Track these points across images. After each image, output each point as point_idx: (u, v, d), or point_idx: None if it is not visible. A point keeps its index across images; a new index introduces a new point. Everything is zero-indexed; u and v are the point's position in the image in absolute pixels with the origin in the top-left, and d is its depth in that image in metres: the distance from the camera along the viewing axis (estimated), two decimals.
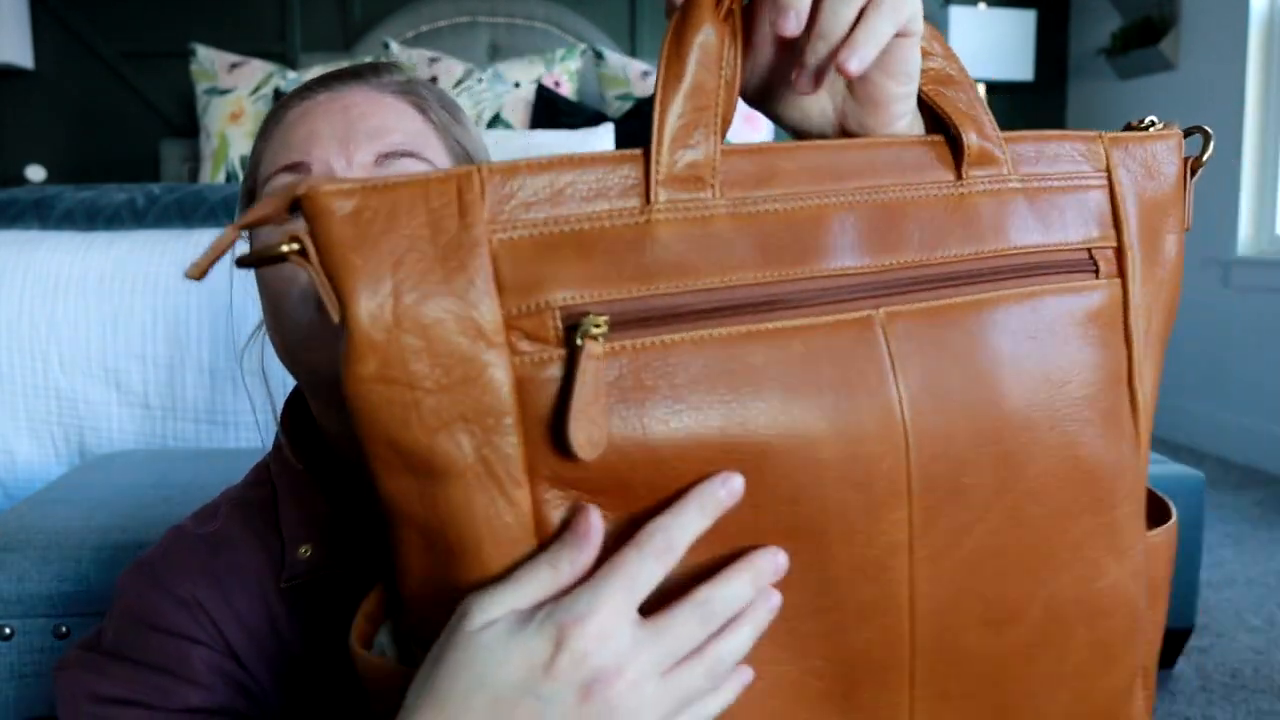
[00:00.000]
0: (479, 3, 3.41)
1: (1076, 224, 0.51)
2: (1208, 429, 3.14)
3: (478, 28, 3.42)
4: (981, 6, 3.58)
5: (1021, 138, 0.51)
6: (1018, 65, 3.56)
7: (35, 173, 3.39)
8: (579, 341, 0.39)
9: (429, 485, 0.40)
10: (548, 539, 0.41)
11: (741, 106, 2.55)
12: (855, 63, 0.44)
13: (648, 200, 0.42)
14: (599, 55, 3.18)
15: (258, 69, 3.04)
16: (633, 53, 3.59)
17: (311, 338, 0.61)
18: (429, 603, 0.43)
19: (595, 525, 0.40)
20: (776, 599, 0.43)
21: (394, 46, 3.13)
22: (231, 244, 0.38)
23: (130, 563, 0.66)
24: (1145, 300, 0.53)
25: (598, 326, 0.39)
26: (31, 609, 1.01)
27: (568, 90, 3.13)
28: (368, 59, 2.97)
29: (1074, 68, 3.88)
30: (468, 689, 0.39)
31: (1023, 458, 0.47)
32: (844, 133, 0.51)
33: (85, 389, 1.42)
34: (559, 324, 0.40)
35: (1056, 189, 0.51)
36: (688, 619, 0.41)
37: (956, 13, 3.49)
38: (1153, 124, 0.56)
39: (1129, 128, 0.56)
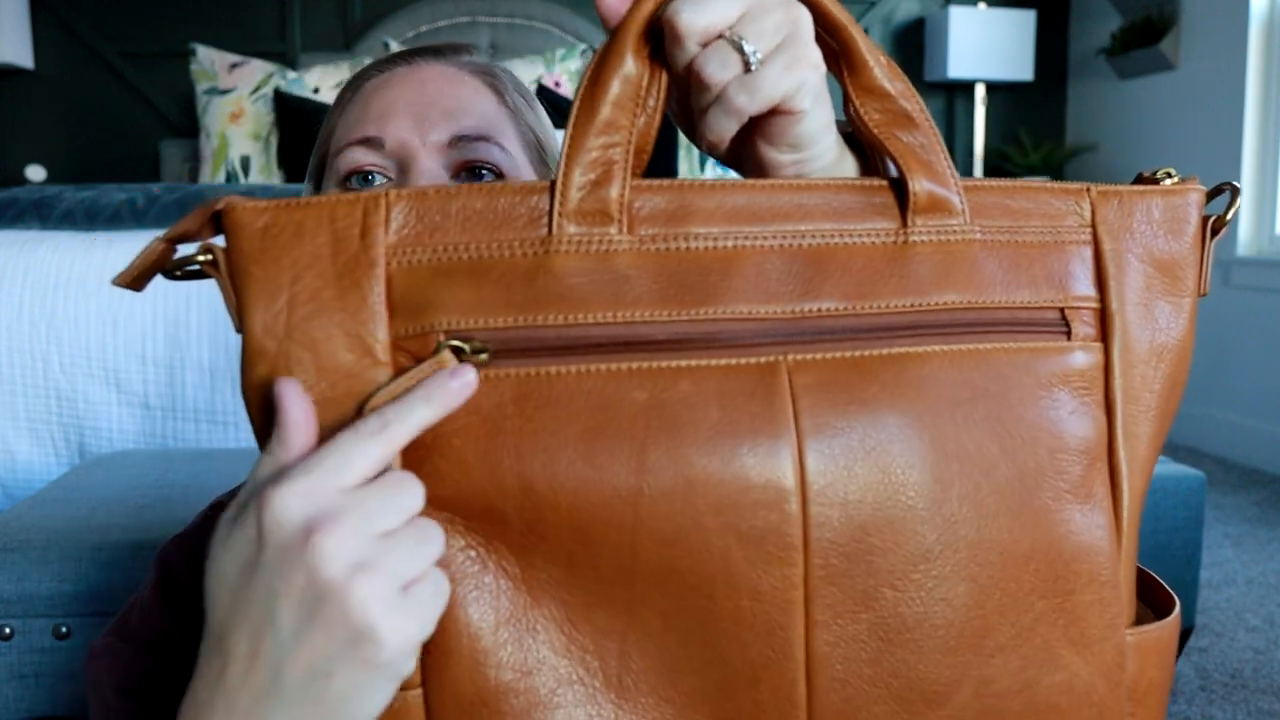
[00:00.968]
0: (479, 3, 3.41)
1: (1044, 282, 0.47)
2: (1208, 429, 3.14)
3: (478, 28, 3.42)
4: (981, 6, 3.58)
5: (988, 188, 0.48)
6: (1018, 65, 3.56)
7: (35, 173, 3.39)
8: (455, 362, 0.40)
9: None
10: None
11: None
12: (710, 135, 0.45)
13: (550, 232, 0.42)
14: None
15: (258, 69, 3.04)
16: None
17: None
18: None
19: (294, 403, 0.39)
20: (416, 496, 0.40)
21: (394, 46, 3.13)
22: (160, 254, 0.41)
23: (171, 538, 0.67)
24: (1138, 369, 0.48)
25: (481, 353, 0.40)
26: (31, 609, 1.01)
27: (568, 90, 3.13)
28: (367, 59, 2.97)
29: (1074, 68, 3.88)
30: (217, 590, 0.39)
31: (952, 525, 0.43)
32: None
33: (85, 389, 1.42)
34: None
35: (1024, 243, 0.47)
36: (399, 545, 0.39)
37: (956, 13, 3.49)
38: (1169, 175, 0.51)
39: (1140, 179, 0.51)
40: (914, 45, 3.78)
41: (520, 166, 0.67)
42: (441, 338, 0.41)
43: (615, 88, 0.43)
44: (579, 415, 0.41)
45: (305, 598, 0.37)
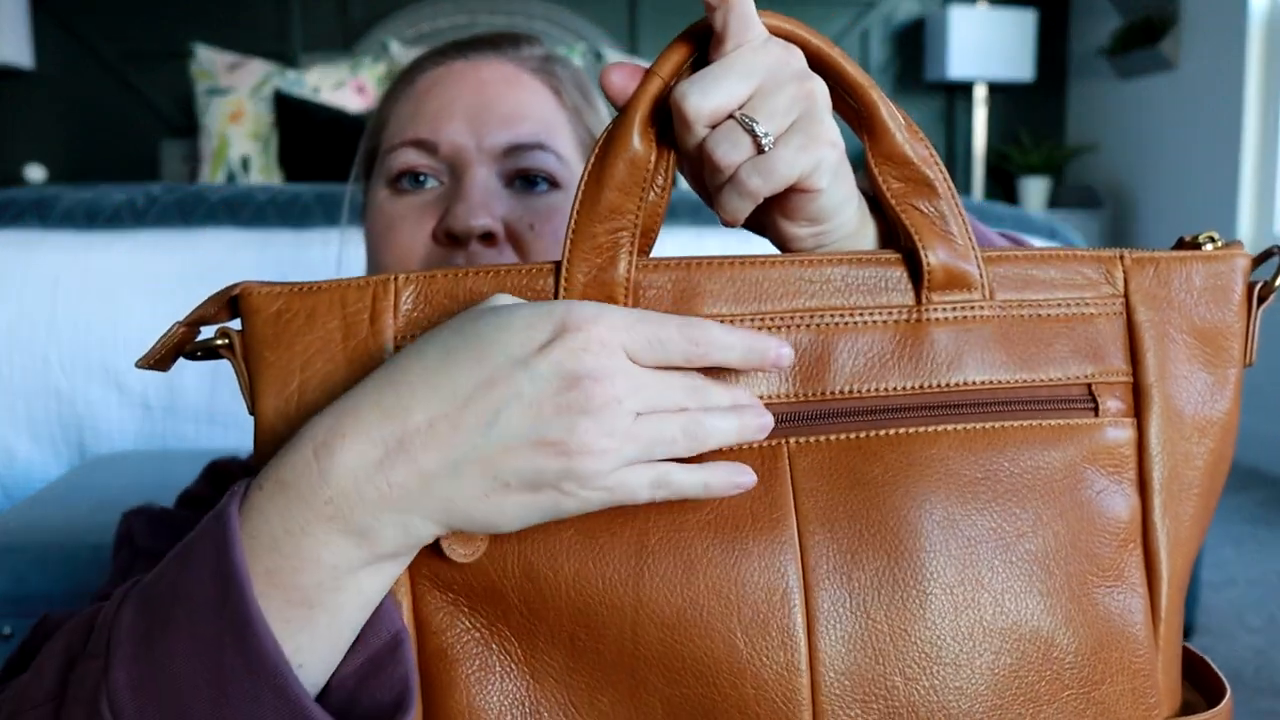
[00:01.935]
0: (479, 2, 3.41)
1: (1070, 357, 0.45)
2: None
3: (478, 28, 3.42)
4: (981, 6, 3.58)
5: (1012, 257, 0.46)
6: (1018, 65, 3.56)
7: (35, 173, 3.39)
8: None
9: None
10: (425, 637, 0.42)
11: None
12: (725, 214, 0.43)
13: None
14: (599, 55, 3.17)
15: (258, 69, 3.04)
16: (633, 52, 3.59)
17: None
18: None
19: None
20: (768, 419, 0.41)
21: (394, 46, 3.13)
22: (181, 337, 0.43)
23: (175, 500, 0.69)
24: (1180, 445, 0.46)
25: None
26: (31, 609, 1.01)
27: None
28: (368, 59, 2.97)
29: (1074, 68, 3.88)
30: (463, 346, 0.38)
31: (965, 609, 0.42)
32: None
33: (85, 389, 1.42)
34: None
35: (1048, 318, 0.45)
36: (677, 382, 0.40)
37: (956, 13, 3.49)
38: (1211, 240, 0.48)
39: (1180, 244, 0.49)
40: (914, 45, 3.77)
41: (575, 174, 0.66)
42: None
43: (621, 171, 0.42)
44: None
45: (557, 424, 0.37)
